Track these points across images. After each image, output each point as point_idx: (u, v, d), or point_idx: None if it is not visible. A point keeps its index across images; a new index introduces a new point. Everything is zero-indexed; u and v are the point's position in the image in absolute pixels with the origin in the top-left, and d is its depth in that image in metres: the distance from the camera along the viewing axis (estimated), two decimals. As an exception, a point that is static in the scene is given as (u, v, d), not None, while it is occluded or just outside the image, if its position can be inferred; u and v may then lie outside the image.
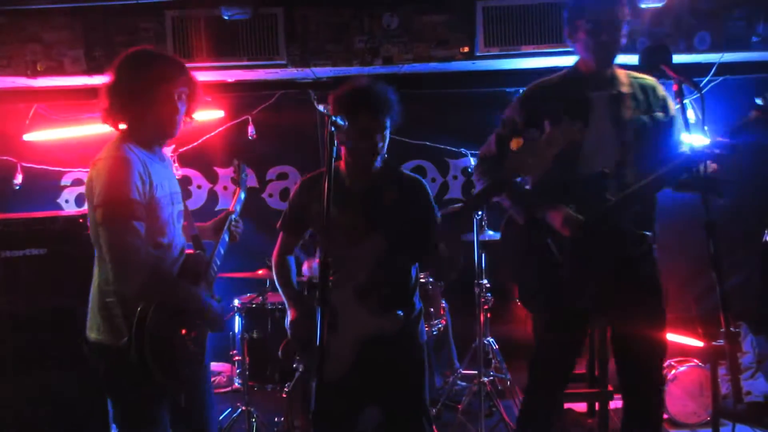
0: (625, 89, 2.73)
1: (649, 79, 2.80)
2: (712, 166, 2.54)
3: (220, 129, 5.13)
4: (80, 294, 3.92)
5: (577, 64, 2.84)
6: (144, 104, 2.35)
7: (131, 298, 2.27)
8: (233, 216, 2.84)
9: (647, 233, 2.71)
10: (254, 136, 5.03)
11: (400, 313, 2.58)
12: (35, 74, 4.38)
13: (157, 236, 2.36)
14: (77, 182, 5.22)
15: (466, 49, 4.42)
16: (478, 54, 4.36)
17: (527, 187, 2.82)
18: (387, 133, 2.57)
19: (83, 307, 2.49)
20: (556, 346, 2.82)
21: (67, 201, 5.26)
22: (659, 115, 2.74)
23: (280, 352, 3.32)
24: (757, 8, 4.29)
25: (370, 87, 2.54)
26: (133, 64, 2.37)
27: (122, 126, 2.44)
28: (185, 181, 5.20)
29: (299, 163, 5.26)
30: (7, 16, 4.22)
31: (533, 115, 2.74)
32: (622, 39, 2.68)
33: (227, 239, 2.77)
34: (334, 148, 2.14)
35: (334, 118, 2.15)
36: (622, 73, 2.79)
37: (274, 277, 2.82)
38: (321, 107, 5.34)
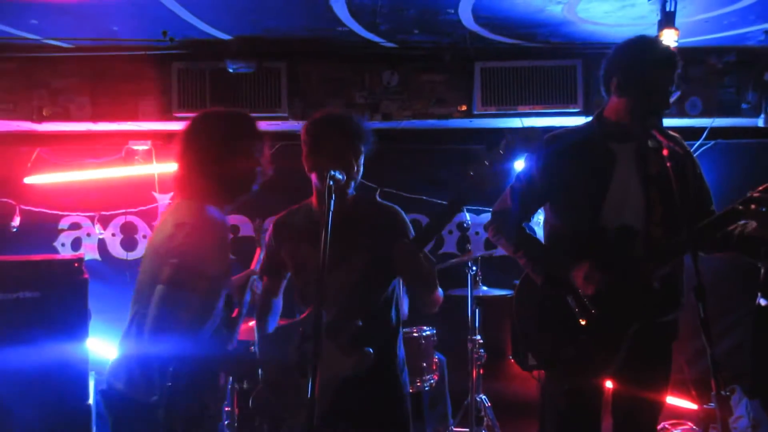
0: (651, 143, 2.51)
1: (675, 134, 2.64)
2: (751, 224, 2.39)
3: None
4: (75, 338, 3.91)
5: (602, 114, 2.65)
6: (226, 163, 2.33)
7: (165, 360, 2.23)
8: (255, 277, 2.86)
9: (681, 299, 2.53)
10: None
11: (370, 350, 2.39)
12: (41, 119, 4.44)
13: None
14: (75, 226, 5.22)
15: (464, 108, 4.53)
16: (475, 112, 4.47)
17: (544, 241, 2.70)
18: (361, 161, 2.51)
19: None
20: (580, 417, 2.63)
21: (63, 245, 5.25)
22: (687, 170, 2.56)
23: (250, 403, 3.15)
24: (746, 77, 4.42)
25: (344, 114, 2.55)
26: (213, 124, 2.38)
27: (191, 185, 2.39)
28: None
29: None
30: (16, 62, 4.31)
31: (552, 169, 2.60)
32: (669, 103, 2.53)
33: (248, 299, 2.78)
34: (332, 202, 2.16)
35: (333, 173, 2.19)
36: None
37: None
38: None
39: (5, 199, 5.07)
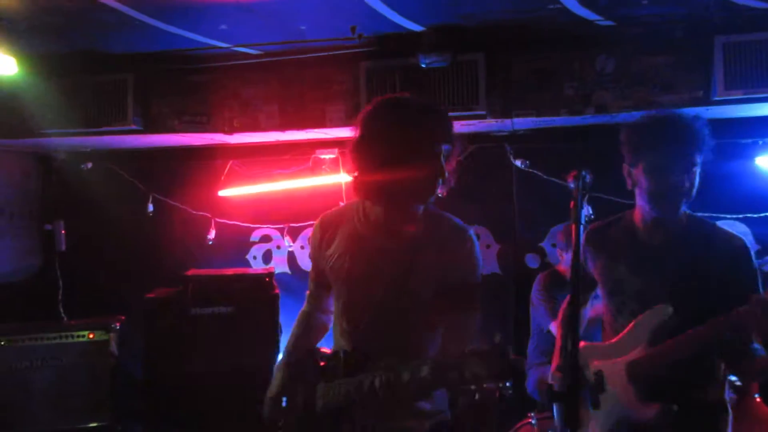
0: None
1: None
2: None
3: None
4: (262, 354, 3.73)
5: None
6: (400, 163, 1.98)
7: None
8: None
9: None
10: (444, 194, 4.66)
11: (674, 408, 2.07)
12: (232, 130, 4.38)
13: None
14: (265, 239, 5.18)
15: (700, 94, 3.74)
16: (716, 98, 3.66)
17: None
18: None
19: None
20: None
21: (255, 257, 5.21)
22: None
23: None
24: None
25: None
26: (387, 114, 2.05)
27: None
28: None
29: (491, 223, 4.79)
30: (207, 73, 4.27)
31: None
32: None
33: None
34: (582, 211, 1.65)
35: (583, 173, 1.68)
36: None
37: None
38: (518, 162, 4.80)
39: (202, 212, 5.15)
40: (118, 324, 4.41)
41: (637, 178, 2.19)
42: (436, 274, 2.03)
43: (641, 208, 2.26)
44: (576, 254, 1.60)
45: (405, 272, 2.03)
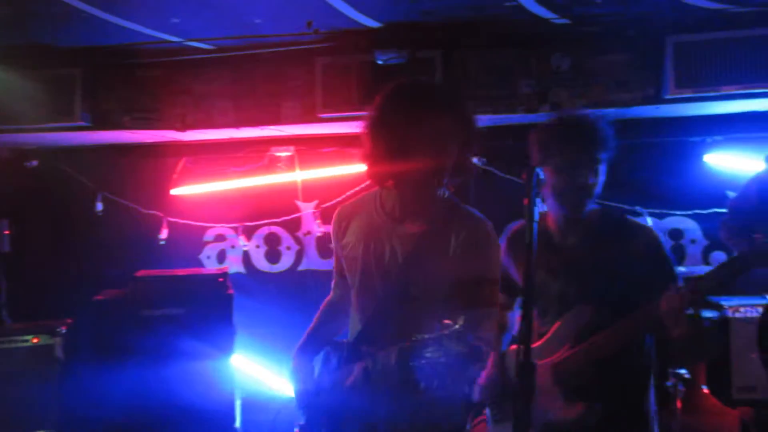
0: None
1: None
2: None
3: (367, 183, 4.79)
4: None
5: None
6: (408, 149, 1.93)
7: None
8: None
9: None
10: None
11: (598, 406, 2.14)
12: (185, 127, 4.27)
13: None
14: (219, 238, 5.07)
15: (651, 92, 3.81)
16: (667, 97, 3.73)
17: None
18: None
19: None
20: None
21: (208, 257, 5.10)
22: None
23: None
24: None
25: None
26: (397, 99, 1.99)
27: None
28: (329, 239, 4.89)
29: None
30: (160, 68, 4.15)
31: None
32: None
33: None
34: (536, 208, 1.63)
35: (537, 170, 1.66)
36: None
37: None
38: (475, 160, 4.82)
39: (154, 211, 5.01)
40: (64, 327, 4.26)
41: (546, 178, 2.22)
42: (451, 266, 1.97)
43: (551, 208, 2.30)
44: (529, 253, 1.57)
45: (418, 262, 1.98)
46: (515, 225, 2.45)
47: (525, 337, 1.55)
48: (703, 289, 2.02)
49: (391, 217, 2.07)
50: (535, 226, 1.62)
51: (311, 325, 2.31)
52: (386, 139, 1.94)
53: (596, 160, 2.18)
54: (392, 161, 1.94)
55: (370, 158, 2.01)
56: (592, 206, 2.26)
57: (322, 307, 2.36)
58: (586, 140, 2.18)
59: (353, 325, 2.16)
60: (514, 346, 2.33)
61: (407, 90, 2.01)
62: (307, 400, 2.12)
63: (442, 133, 1.92)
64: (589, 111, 2.33)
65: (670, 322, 1.98)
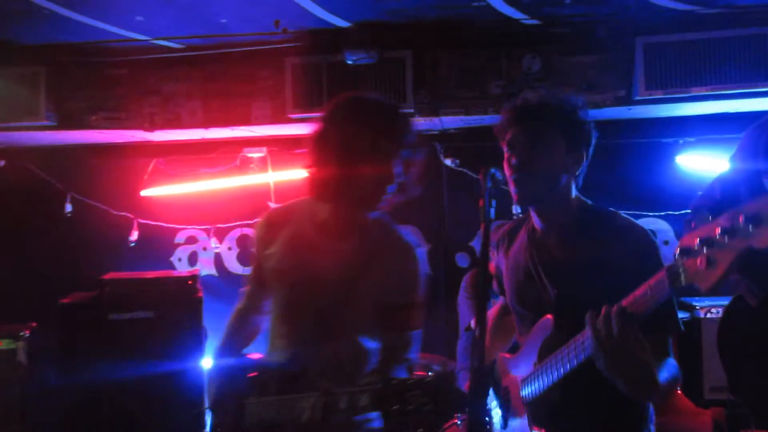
0: None
1: None
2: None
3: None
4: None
5: None
6: (350, 165, 1.88)
7: None
8: None
9: None
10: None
11: None
12: (153, 127, 4.20)
13: None
14: (191, 240, 5.00)
15: (622, 94, 3.80)
16: (637, 98, 3.73)
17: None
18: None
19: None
20: None
21: (180, 260, 5.03)
22: None
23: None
24: None
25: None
26: (345, 113, 1.95)
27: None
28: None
29: (422, 223, 4.76)
30: (127, 67, 4.08)
31: None
32: None
33: None
34: (491, 209, 1.59)
35: (492, 171, 1.62)
36: None
37: None
38: (448, 161, 4.79)
39: (124, 213, 4.93)
40: (27, 332, 4.16)
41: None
42: (375, 288, 1.94)
43: None
44: (484, 255, 1.52)
45: (346, 280, 1.94)
46: (497, 223, 2.24)
47: (478, 342, 1.49)
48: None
49: (323, 231, 2.01)
50: (493, 226, 1.58)
51: (222, 337, 2.20)
52: (328, 151, 1.91)
53: (542, 137, 1.91)
54: (333, 174, 1.90)
55: (312, 167, 1.97)
56: (582, 202, 1.99)
57: (232, 315, 2.24)
58: (531, 117, 1.95)
59: (275, 341, 2.08)
60: (507, 354, 2.15)
61: (355, 104, 1.97)
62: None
63: (383, 151, 1.88)
64: (559, 91, 2.06)
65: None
